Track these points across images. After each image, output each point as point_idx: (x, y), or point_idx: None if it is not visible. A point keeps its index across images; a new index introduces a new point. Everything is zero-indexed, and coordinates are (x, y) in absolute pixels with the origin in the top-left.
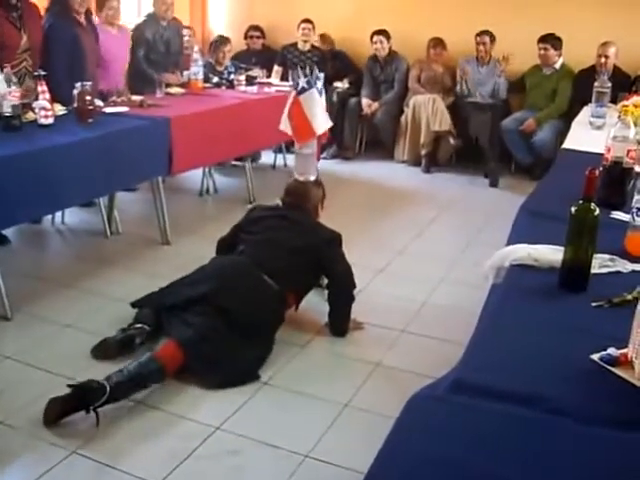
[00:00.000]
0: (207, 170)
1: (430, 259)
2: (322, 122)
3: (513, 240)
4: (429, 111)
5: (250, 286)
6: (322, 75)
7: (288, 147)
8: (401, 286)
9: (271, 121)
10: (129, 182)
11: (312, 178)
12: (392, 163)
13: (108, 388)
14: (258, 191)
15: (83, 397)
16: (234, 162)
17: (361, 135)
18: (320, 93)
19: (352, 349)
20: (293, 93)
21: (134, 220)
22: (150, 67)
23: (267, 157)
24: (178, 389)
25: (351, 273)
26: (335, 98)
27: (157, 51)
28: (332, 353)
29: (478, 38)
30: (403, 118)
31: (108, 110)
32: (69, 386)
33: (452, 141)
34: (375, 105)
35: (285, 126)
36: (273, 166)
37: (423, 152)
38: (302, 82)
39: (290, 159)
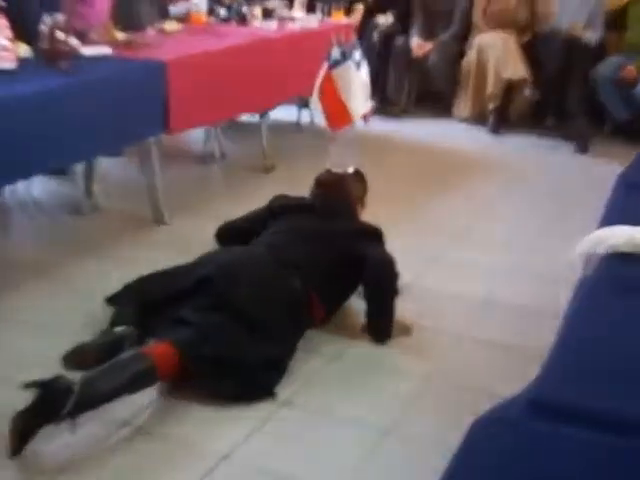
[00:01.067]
0: (213, 130)
1: (497, 245)
2: (361, 104)
3: (608, 221)
4: (499, 54)
5: (263, 277)
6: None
7: None
8: (460, 279)
9: (294, 67)
10: (113, 145)
11: (350, 170)
12: (450, 121)
13: (78, 387)
14: (278, 156)
15: (49, 401)
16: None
17: (410, 85)
18: (358, 66)
19: (396, 359)
20: (324, 67)
21: (119, 193)
22: None
23: (290, 113)
24: (177, 409)
25: (392, 260)
26: (376, 37)
27: None
28: (371, 364)
29: None
30: (465, 63)
31: (86, 52)
32: (26, 386)
33: (528, 92)
34: (428, 46)
35: (315, 107)
36: (297, 124)
37: (490, 107)
38: (335, 52)
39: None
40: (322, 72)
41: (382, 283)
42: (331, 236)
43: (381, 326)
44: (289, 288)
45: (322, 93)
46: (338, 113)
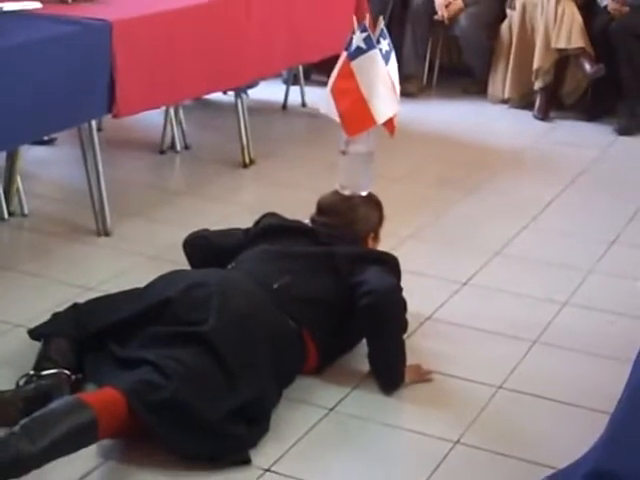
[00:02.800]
0: (172, 112)
1: (545, 267)
2: (387, 105)
3: None
4: (549, 15)
5: (244, 304)
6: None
7: (308, 74)
8: (497, 311)
9: (282, 30)
10: (42, 129)
11: (364, 192)
12: (484, 104)
13: None
14: (260, 146)
15: None
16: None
17: (432, 56)
18: (386, 57)
19: (409, 414)
20: (343, 56)
21: (49, 194)
22: None
23: (272, 89)
24: (126, 478)
25: (394, 282)
26: None
27: None
28: (376, 421)
29: None
30: (504, 27)
31: (7, 6)
32: None
33: (588, 67)
34: (457, 5)
35: (328, 108)
36: (284, 105)
37: (538, 85)
38: (357, 39)
39: (311, 93)
40: (340, 63)
41: (382, 312)
42: (328, 261)
43: (387, 371)
44: (278, 323)
45: (338, 89)
46: (357, 113)
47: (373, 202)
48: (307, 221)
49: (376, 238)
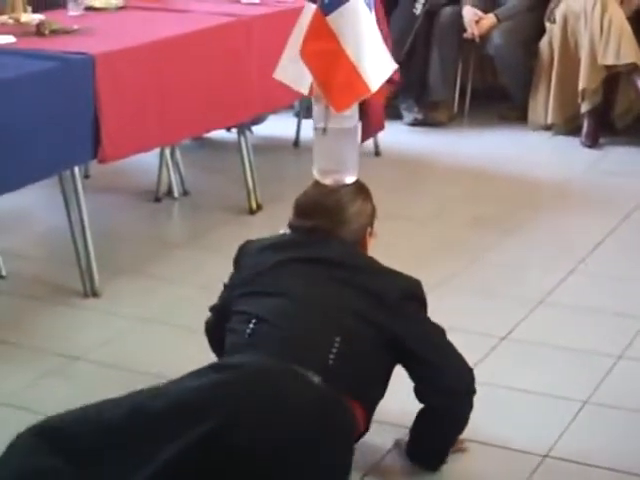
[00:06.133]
0: (168, 154)
1: (597, 317)
2: (380, 66)
3: None
4: (594, 27)
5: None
6: None
7: None
8: (541, 368)
9: None
10: (15, 181)
11: (350, 180)
12: (524, 131)
13: None
14: (267, 189)
15: None
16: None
17: (463, 79)
18: (369, 4)
19: None
20: (312, 10)
21: (28, 251)
22: None
23: (283, 124)
24: None
25: (466, 367)
26: (418, 9)
27: None
28: None
29: None
30: (544, 43)
31: None
32: None
33: None
34: (489, 20)
35: (294, 77)
36: (295, 142)
37: (585, 108)
38: None
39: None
40: (306, 17)
41: (455, 413)
42: (363, 310)
43: (436, 451)
44: (329, 404)
45: (312, 52)
46: (345, 81)
47: (362, 191)
48: (282, 231)
49: (371, 235)
